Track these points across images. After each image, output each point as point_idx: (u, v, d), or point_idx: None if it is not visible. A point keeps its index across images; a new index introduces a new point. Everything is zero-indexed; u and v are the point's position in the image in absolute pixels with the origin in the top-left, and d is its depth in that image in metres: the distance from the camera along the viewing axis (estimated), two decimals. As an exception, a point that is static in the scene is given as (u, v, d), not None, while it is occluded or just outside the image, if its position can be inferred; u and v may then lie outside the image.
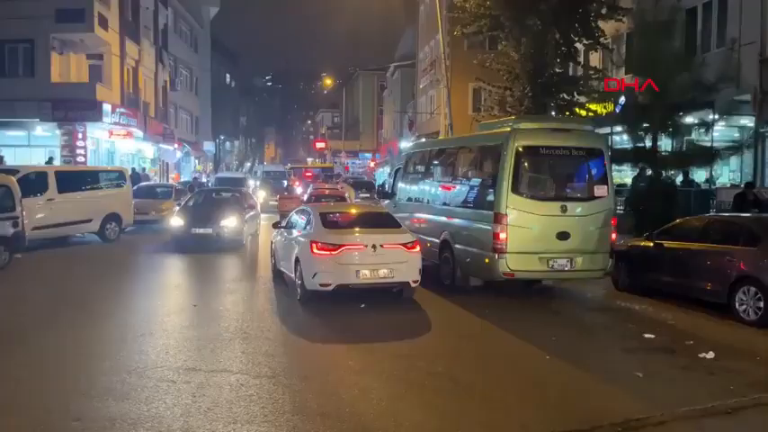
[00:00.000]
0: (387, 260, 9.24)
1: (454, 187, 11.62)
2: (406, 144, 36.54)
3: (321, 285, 9.24)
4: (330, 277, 9.17)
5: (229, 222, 15.98)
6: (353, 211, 11.59)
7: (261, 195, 27.93)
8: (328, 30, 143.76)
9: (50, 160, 23.24)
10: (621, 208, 15.94)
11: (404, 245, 9.41)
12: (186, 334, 8.15)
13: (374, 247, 9.19)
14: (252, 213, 17.81)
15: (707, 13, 18.43)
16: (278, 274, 11.42)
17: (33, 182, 15.11)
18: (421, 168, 13.81)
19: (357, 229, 9.85)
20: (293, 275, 10.04)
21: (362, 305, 9.36)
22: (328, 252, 9.15)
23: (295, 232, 10.44)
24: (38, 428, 5.11)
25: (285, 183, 36.32)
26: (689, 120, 15.85)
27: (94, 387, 6.04)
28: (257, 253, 16.00)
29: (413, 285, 9.60)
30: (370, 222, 10.25)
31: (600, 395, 6.03)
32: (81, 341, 7.63)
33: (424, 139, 31.67)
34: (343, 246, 9.17)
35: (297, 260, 9.78)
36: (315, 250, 9.23)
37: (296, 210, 11.79)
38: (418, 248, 9.60)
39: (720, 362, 7.00)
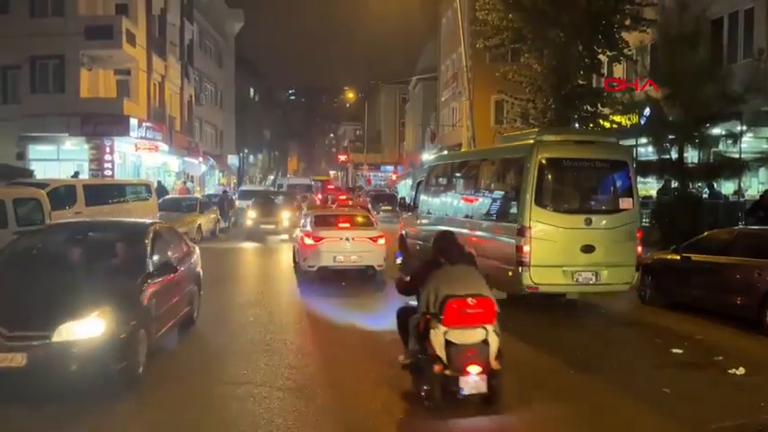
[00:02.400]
0: (357, 249, 12.26)
1: (477, 200, 11.58)
2: (427, 157, 36.56)
3: (308, 267, 12.45)
4: (314, 261, 12.35)
5: (87, 327, 5.79)
6: (342, 214, 14.73)
7: (250, 216, 23.16)
8: (350, 44, 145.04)
9: (76, 174, 23.70)
10: (647, 221, 15.74)
11: (371, 238, 12.36)
12: (209, 345, 8.19)
13: (347, 239, 12.26)
14: (181, 275, 7.92)
15: (733, 24, 18.21)
16: (297, 266, 13.76)
17: (62, 195, 15.39)
18: (443, 181, 13.80)
19: (338, 226, 12.83)
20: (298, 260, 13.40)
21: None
22: (313, 242, 12.33)
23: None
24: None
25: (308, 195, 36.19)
26: (716, 131, 15.66)
27: (116, 398, 6.11)
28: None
29: (378, 269, 12.57)
30: (350, 222, 13.18)
31: (626, 411, 5.92)
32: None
33: (446, 152, 31.67)
34: (324, 238, 12.32)
35: (297, 249, 13.41)
36: (305, 241, 12.56)
37: (306, 214, 15.24)
38: (383, 241, 12.62)
39: (751, 378, 6.85)
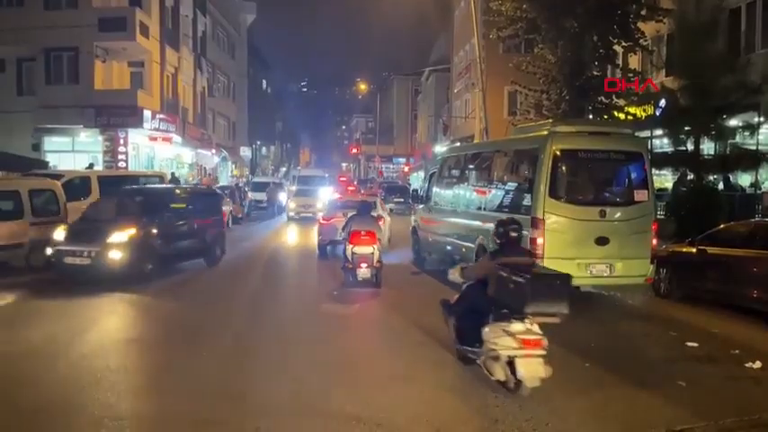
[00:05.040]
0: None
1: (490, 191, 11.51)
2: (440, 148, 36.43)
3: (321, 241, 15.99)
4: (326, 236, 15.64)
5: None
6: (352, 201, 16.91)
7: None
8: (363, 35, 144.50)
9: (91, 166, 23.87)
10: (662, 213, 15.60)
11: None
12: (222, 333, 8.24)
13: None
14: None
15: (751, 13, 17.92)
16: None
17: (77, 186, 15.52)
18: (456, 172, 13.74)
19: (347, 210, 14.60)
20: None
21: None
22: (326, 222, 15.88)
23: None
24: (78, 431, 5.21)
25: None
26: (733, 122, 15.46)
27: (129, 385, 6.15)
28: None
29: None
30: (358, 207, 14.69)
31: (641, 404, 5.89)
32: (116, 339, 7.78)
33: (458, 144, 31.53)
34: (333, 218, 15.45)
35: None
36: (320, 221, 16.51)
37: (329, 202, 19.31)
38: (382, 223, 14.56)
39: (767, 372, 6.77)
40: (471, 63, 33.59)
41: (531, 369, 5.55)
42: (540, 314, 5.60)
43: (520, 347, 5.56)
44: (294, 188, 32.04)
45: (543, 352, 5.65)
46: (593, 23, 17.86)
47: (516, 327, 5.61)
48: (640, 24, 18.35)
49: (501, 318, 5.76)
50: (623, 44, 18.88)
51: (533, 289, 5.47)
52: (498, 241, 6.41)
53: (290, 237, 22.17)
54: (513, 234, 6.31)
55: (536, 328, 5.69)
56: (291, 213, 27.36)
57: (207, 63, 39.52)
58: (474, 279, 6.45)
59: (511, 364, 5.63)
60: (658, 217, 11.88)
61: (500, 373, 5.75)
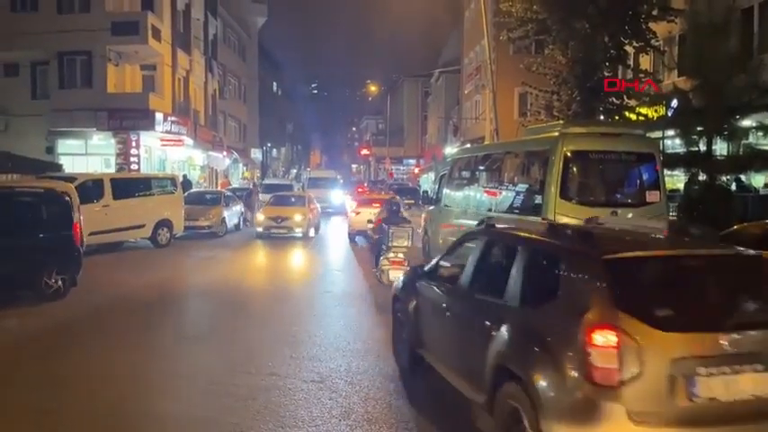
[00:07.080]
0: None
1: (500, 193, 11.48)
2: (450, 150, 36.37)
3: (350, 230, 20.17)
4: (355, 226, 19.34)
5: None
6: (375, 197, 21.07)
7: None
8: (373, 37, 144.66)
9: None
10: (674, 214, 15.50)
11: None
12: (236, 337, 8.28)
13: (375, 213, 16.58)
14: None
15: (764, 13, 17.76)
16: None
17: (90, 189, 15.66)
18: (466, 174, 13.72)
19: (371, 205, 18.25)
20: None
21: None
22: (355, 213, 19.77)
23: None
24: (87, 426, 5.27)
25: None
26: (746, 123, 15.34)
27: (146, 389, 6.21)
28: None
29: None
30: (379, 202, 17.45)
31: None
32: (132, 344, 7.85)
33: (469, 145, 31.48)
34: (360, 211, 18.93)
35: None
36: (349, 213, 21.04)
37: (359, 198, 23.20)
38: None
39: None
40: (481, 64, 33.54)
41: (395, 275, 9.86)
42: (397, 247, 11.10)
43: (391, 264, 10.92)
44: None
45: (405, 267, 10.16)
46: (604, 24, 17.75)
47: (390, 254, 11.07)
48: (652, 25, 18.22)
49: (386, 251, 11.16)
50: (635, 45, 18.76)
51: (392, 233, 11.21)
52: (387, 212, 12.92)
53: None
54: (395, 208, 13.04)
55: (400, 255, 11.06)
56: (260, 229, 20.66)
57: (218, 66, 39.75)
58: (380, 233, 12.19)
59: (388, 273, 10.79)
60: (670, 218, 11.81)
61: (385, 278, 10.86)
